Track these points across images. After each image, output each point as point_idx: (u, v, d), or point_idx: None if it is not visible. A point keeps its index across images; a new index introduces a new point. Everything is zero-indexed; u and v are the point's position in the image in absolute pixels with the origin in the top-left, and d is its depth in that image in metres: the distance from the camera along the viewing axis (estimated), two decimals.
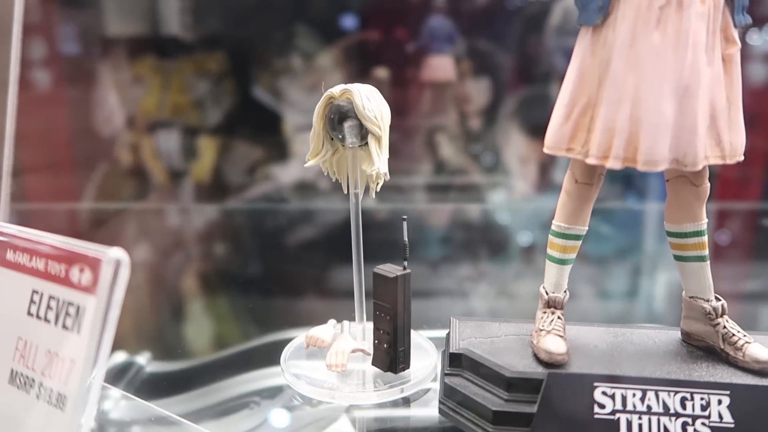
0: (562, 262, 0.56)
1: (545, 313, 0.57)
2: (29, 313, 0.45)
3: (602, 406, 0.49)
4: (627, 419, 0.48)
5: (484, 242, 1.22)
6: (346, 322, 0.67)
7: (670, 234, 0.56)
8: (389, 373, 0.61)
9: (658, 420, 0.48)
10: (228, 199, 1.45)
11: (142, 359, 0.71)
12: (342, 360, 0.61)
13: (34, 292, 0.45)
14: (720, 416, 0.48)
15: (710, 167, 0.53)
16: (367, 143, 0.59)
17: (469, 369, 0.55)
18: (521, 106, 1.42)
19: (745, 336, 0.53)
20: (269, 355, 0.68)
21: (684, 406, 0.48)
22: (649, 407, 0.48)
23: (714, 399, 0.48)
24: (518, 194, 1.46)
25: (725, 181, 1.36)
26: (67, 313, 0.43)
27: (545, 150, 0.53)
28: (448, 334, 0.61)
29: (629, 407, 0.48)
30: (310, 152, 0.62)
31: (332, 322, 0.68)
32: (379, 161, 0.59)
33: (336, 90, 0.59)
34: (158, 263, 1.10)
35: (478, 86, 1.42)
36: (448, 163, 1.45)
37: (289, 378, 0.63)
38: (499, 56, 1.40)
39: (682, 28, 0.47)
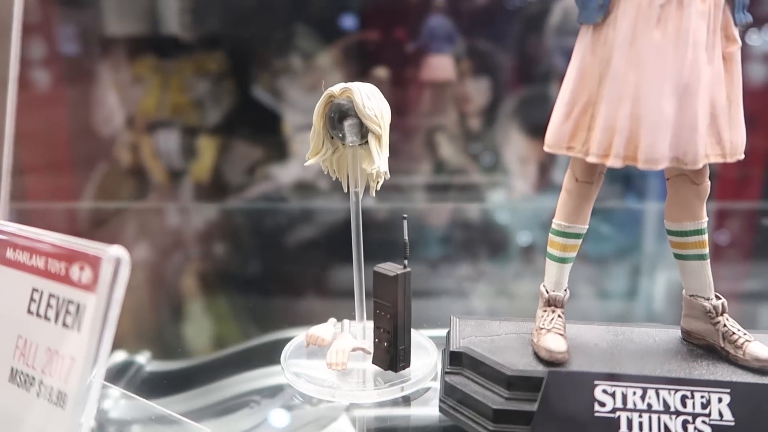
0: (562, 260, 0.56)
1: (545, 311, 0.57)
2: (29, 312, 0.45)
3: (603, 405, 0.49)
4: (627, 417, 0.48)
5: (484, 242, 1.22)
6: (346, 321, 0.67)
7: (671, 232, 0.56)
8: (389, 372, 0.61)
9: (659, 418, 0.48)
10: (227, 199, 1.45)
11: (143, 358, 0.71)
12: (342, 358, 0.61)
13: (34, 290, 0.45)
14: (720, 414, 0.48)
15: (710, 166, 0.53)
16: (367, 142, 0.59)
17: (470, 367, 0.55)
18: (521, 105, 1.42)
19: (745, 334, 0.54)
20: (269, 354, 0.68)
21: (684, 404, 0.48)
22: (649, 405, 0.48)
23: (714, 397, 0.48)
24: (518, 194, 1.46)
25: (725, 180, 1.36)
26: (67, 311, 0.43)
27: (545, 148, 0.53)
28: (449, 332, 0.61)
29: (630, 405, 0.48)
30: (310, 151, 0.62)
31: (332, 320, 0.68)
32: (379, 160, 0.59)
33: (336, 89, 0.59)
34: (158, 263, 1.10)
35: (477, 86, 1.42)
36: (448, 162, 1.45)
37: (290, 377, 0.63)
38: (498, 56, 1.40)
39: (682, 26, 0.47)
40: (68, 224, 1.31)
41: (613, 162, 0.49)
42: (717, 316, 0.55)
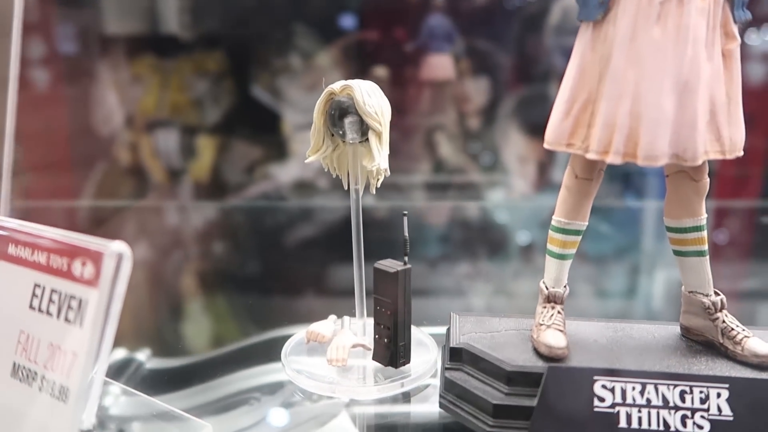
0: (561, 257, 0.57)
1: (545, 307, 0.57)
2: (31, 307, 0.45)
3: (602, 400, 0.49)
4: (627, 412, 0.49)
5: (483, 241, 1.22)
6: (346, 318, 0.67)
7: (670, 229, 0.56)
8: (390, 368, 0.61)
9: (658, 413, 0.48)
10: (227, 198, 1.45)
11: (144, 356, 0.71)
12: (342, 355, 0.61)
13: (36, 285, 0.45)
14: (719, 409, 0.48)
15: (709, 165, 0.54)
16: (367, 139, 0.59)
17: (470, 363, 0.55)
18: (520, 105, 1.42)
19: (743, 330, 0.54)
20: (270, 352, 0.68)
21: (683, 400, 0.49)
22: (648, 400, 0.49)
23: (713, 392, 0.49)
24: (517, 193, 1.46)
25: (724, 179, 1.37)
26: (69, 307, 0.43)
27: (545, 145, 0.53)
28: (449, 329, 0.61)
29: (629, 400, 0.49)
30: (310, 148, 0.62)
31: (332, 317, 0.68)
32: (379, 157, 0.59)
33: (337, 86, 0.59)
34: (159, 261, 1.10)
35: (477, 85, 1.42)
36: (447, 162, 1.45)
37: (290, 373, 0.63)
38: (498, 55, 1.40)
39: (682, 24, 0.47)
40: (68, 223, 1.31)
41: (613, 159, 0.49)
42: (716, 312, 0.55)
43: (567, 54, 0.53)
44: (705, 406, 0.48)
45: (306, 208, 1.39)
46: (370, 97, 0.58)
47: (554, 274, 0.57)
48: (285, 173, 1.44)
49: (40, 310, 0.45)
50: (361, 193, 0.63)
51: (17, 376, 0.45)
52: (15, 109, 0.74)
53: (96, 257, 0.42)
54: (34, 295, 0.45)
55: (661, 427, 0.48)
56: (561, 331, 0.55)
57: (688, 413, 0.48)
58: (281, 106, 1.44)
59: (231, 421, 0.59)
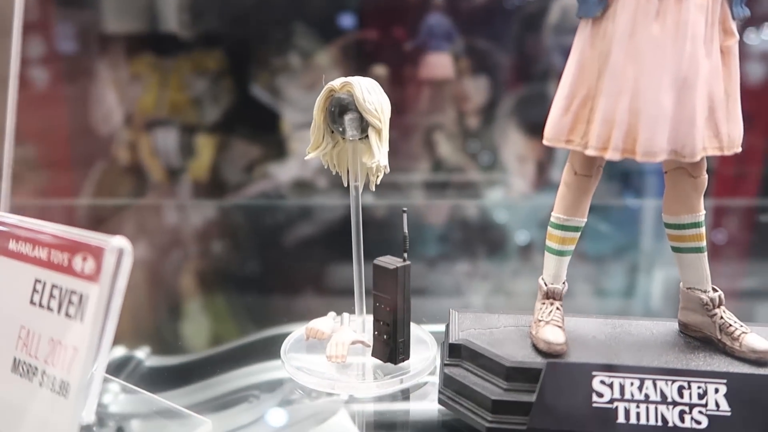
0: (560, 253, 0.57)
1: (544, 303, 0.57)
2: (32, 302, 0.45)
3: (600, 395, 0.49)
4: (625, 408, 0.49)
5: (482, 240, 1.23)
6: (345, 314, 0.67)
7: (668, 226, 0.57)
8: (389, 364, 0.61)
9: (656, 408, 0.49)
10: (226, 197, 1.45)
11: (144, 353, 0.71)
12: (342, 351, 0.61)
13: (37, 281, 0.45)
14: (717, 404, 0.48)
15: (708, 163, 0.54)
16: (367, 136, 0.59)
17: (469, 359, 0.56)
18: (519, 104, 1.42)
19: (741, 326, 0.54)
20: (269, 349, 0.68)
21: (681, 395, 0.49)
22: (646, 396, 0.49)
23: (711, 388, 0.49)
24: (516, 192, 1.46)
25: (723, 177, 1.37)
26: (70, 302, 0.43)
27: (544, 142, 0.53)
28: (448, 325, 0.61)
29: (627, 396, 0.49)
30: (310, 145, 0.62)
31: (332, 314, 0.68)
32: (379, 154, 0.59)
33: (336, 83, 0.59)
34: (158, 260, 1.10)
35: (476, 84, 1.42)
36: (446, 161, 1.45)
37: (290, 370, 0.63)
38: (497, 54, 1.40)
39: (681, 20, 0.47)
40: (67, 221, 1.31)
41: (612, 155, 0.50)
42: (714, 308, 0.55)
43: (566, 53, 0.53)
44: (703, 402, 0.48)
45: (305, 206, 1.40)
46: (370, 94, 0.58)
47: (553, 271, 0.57)
48: (284, 172, 1.44)
49: (40, 305, 0.45)
50: (360, 190, 0.63)
51: (18, 371, 0.45)
52: (15, 108, 0.75)
53: (97, 252, 0.42)
54: (34, 290, 0.45)
55: (659, 423, 0.48)
56: (560, 327, 0.55)
57: (686, 408, 0.48)
58: (280, 105, 1.44)
59: (231, 418, 0.59)
